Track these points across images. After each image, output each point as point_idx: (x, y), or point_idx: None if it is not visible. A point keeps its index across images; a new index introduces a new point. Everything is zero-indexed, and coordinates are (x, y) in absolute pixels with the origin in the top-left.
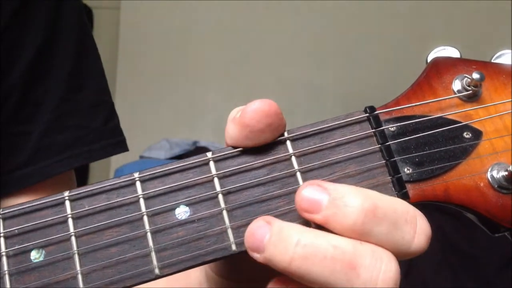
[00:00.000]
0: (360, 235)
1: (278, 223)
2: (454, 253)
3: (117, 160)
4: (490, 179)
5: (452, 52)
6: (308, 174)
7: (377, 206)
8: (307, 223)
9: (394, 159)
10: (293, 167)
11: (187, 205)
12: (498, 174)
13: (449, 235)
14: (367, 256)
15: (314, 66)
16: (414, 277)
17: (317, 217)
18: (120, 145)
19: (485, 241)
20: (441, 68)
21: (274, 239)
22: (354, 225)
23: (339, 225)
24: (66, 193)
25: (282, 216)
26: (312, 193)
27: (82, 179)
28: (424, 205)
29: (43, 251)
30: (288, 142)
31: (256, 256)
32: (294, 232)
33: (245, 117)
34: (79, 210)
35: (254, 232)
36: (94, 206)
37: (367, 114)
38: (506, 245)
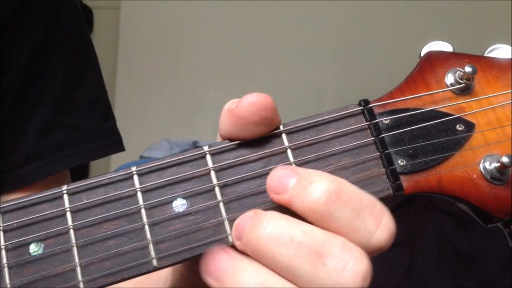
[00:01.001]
0: (322, 217)
1: (260, 212)
2: (454, 253)
3: (117, 160)
4: (482, 171)
5: (445, 46)
6: (303, 166)
7: (342, 190)
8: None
9: (388, 151)
10: (289, 160)
11: (184, 198)
12: (491, 165)
13: (449, 235)
14: (336, 247)
15: (314, 65)
16: (414, 277)
17: (283, 198)
18: (116, 145)
19: (485, 241)
20: (434, 62)
21: (250, 223)
22: (317, 204)
23: (301, 204)
24: (65, 187)
25: (277, 208)
26: (282, 175)
27: None
28: (420, 197)
29: (42, 244)
30: (283, 135)
31: (238, 243)
32: (268, 215)
33: (240, 109)
34: (77, 204)
35: (238, 223)
36: (92, 200)
37: (362, 107)
38: (506, 245)
